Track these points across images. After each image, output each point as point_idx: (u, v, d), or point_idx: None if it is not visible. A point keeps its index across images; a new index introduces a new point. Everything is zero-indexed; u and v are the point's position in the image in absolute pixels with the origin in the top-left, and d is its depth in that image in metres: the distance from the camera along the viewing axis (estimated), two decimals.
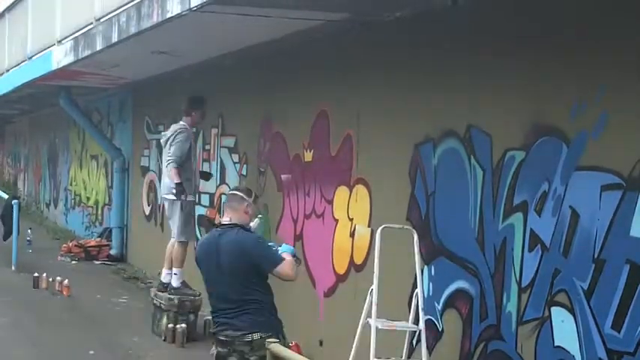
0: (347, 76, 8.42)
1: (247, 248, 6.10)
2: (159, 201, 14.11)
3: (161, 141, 10.60)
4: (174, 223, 10.21)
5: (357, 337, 6.79)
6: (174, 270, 10.12)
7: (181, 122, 10.35)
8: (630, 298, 5.08)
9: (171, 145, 10.06)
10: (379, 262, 6.61)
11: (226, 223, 6.19)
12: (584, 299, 5.43)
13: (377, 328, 6.48)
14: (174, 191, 9.98)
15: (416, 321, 6.60)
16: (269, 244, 6.40)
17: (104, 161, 17.54)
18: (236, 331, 6.18)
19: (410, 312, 6.70)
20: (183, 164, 10.05)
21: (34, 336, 10.13)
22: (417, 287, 6.94)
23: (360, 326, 6.76)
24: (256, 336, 6.15)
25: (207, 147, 12.03)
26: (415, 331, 6.63)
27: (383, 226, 6.86)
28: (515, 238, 6.10)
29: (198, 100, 10.56)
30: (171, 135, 10.15)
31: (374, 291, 6.62)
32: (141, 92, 15.13)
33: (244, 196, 6.21)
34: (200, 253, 6.37)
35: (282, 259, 6.17)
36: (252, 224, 6.25)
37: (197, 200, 11.05)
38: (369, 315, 6.65)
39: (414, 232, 6.72)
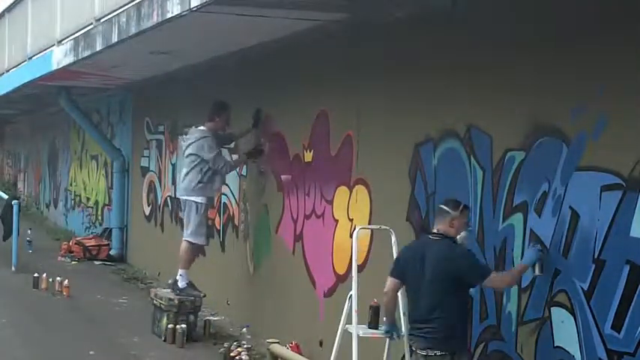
0: (347, 76, 8.42)
1: (452, 258, 5.96)
2: (159, 202, 14.12)
3: (181, 144, 10.55)
4: (188, 224, 10.21)
5: (336, 343, 6.80)
6: (180, 271, 10.11)
7: (202, 127, 10.19)
8: (630, 299, 5.08)
9: (201, 154, 9.98)
10: (357, 267, 6.76)
11: (434, 232, 6.13)
12: (584, 300, 5.44)
13: (358, 336, 6.50)
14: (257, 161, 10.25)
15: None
16: (475, 257, 6.14)
17: (104, 162, 17.53)
18: (422, 343, 6.08)
19: None
20: (201, 168, 10.00)
21: (34, 336, 10.13)
22: None
23: (338, 334, 6.78)
24: (431, 352, 6.02)
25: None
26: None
27: (359, 227, 6.92)
28: (516, 239, 6.10)
29: (222, 105, 10.40)
30: (194, 141, 10.08)
31: (353, 297, 6.61)
32: (141, 93, 15.12)
33: (448, 210, 6.07)
34: (404, 257, 6.29)
35: (489, 272, 5.99)
36: (458, 237, 6.11)
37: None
38: (348, 321, 6.66)
39: (392, 232, 6.77)
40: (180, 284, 10.07)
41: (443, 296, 5.94)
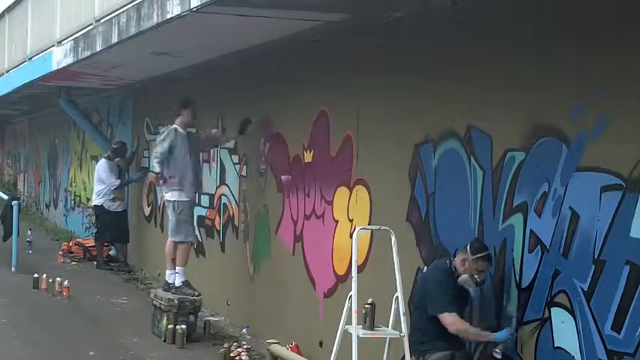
0: (347, 76, 8.42)
1: (425, 281, 6.37)
2: (159, 202, 14.11)
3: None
4: (170, 223, 10.30)
5: (336, 344, 6.81)
6: (177, 269, 10.15)
7: (174, 125, 10.36)
8: (630, 299, 5.08)
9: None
10: (357, 267, 6.71)
11: (449, 261, 6.33)
12: (584, 300, 5.43)
13: (358, 336, 6.52)
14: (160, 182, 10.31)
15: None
16: (443, 290, 6.24)
17: None
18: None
19: (391, 316, 6.72)
20: (169, 163, 10.09)
21: (34, 337, 10.12)
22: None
23: (338, 334, 6.78)
24: None
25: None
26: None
27: (359, 228, 6.92)
28: (515, 239, 6.10)
29: (186, 100, 10.60)
30: (164, 135, 10.27)
31: (353, 297, 6.61)
32: (141, 93, 15.12)
33: (465, 248, 6.22)
34: None
35: (445, 310, 6.13)
36: (460, 278, 6.21)
37: (197, 201, 11.03)
38: (348, 322, 6.67)
39: (392, 233, 6.76)
40: (177, 282, 10.10)
41: (419, 319, 6.40)
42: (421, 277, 6.42)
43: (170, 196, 10.16)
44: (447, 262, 6.33)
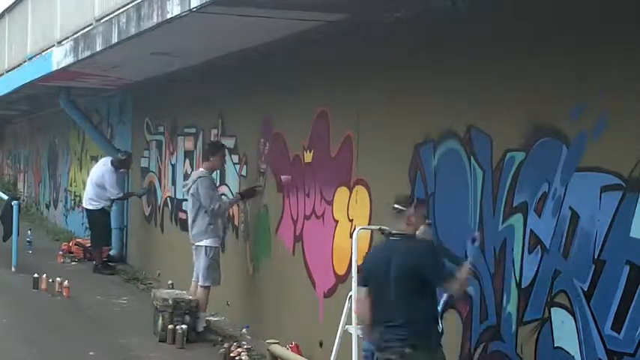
0: (347, 76, 8.42)
1: (418, 256, 5.83)
2: (159, 202, 14.11)
3: (183, 190, 10.77)
4: (199, 267, 10.25)
5: (336, 343, 6.81)
6: (199, 314, 10.13)
7: (201, 169, 10.43)
8: (630, 299, 5.08)
9: (198, 195, 10.07)
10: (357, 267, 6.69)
11: (395, 233, 5.97)
12: (584, 300, 5.43)
13: (358, 336, 6.50)
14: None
15: None
16: (442, 256, 6.03)
17: None
18: (399, 348, 5.82)
19: None
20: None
21: (34, 337, 10.13)
22: None
23: (338, 334, 6.78)
24: (408, 350, 5.78)
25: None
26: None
27: (359, 228, 6.91)
28: (515, 239, 6.10)
29: (216, 145, 10.68)
30: (192, 183, 10.20)
31: (353, 297, 6.60)
32: (141, 93, 15.12)
33: (402, 208, 5.93)
34: (368, 263, 6.16)
35: (452, 275, 5.80)
36: (417, 232, 5.98)
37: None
38: (348, 322, 6.66)
39: None
40: (200, 328, 10.09)
41: (410, 296, 5.81)
42: (402, 260, 5.83)
43: (204, 242, 10.12)
44: (402, 236, 5.87)
